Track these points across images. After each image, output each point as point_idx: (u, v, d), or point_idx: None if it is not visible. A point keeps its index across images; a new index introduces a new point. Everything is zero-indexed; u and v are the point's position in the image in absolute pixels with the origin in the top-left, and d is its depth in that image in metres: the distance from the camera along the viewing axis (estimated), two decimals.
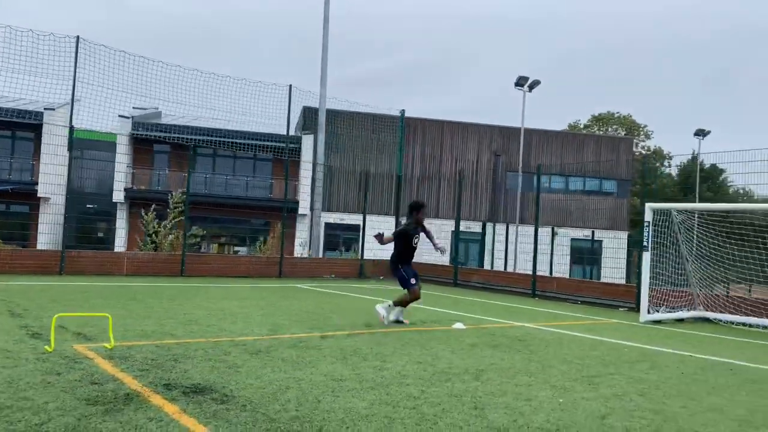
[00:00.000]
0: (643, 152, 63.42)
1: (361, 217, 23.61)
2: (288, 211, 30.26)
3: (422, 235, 8.68)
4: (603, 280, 26.43)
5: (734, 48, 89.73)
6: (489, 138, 37.17)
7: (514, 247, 29.11)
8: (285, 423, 3.76)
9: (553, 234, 23.59)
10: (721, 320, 11.31)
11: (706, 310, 11.59)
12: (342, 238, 33.50)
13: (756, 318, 10.83)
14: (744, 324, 10.94)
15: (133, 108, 31.12)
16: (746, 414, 4.68)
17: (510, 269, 25.97)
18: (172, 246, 16.13)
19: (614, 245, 33.12)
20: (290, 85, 17.71)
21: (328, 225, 32.81)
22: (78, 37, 14.55)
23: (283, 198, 18.37)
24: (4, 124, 27.40)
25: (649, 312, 10.75)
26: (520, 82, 28.98)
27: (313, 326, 8.00)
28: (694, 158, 52.40)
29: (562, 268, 30.06)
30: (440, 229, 30.18)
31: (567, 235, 33.58)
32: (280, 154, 22.82)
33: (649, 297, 10.70)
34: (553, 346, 7.51)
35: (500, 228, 29.31)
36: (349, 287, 15.13)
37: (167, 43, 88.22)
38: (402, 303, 8.45)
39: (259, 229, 31.90)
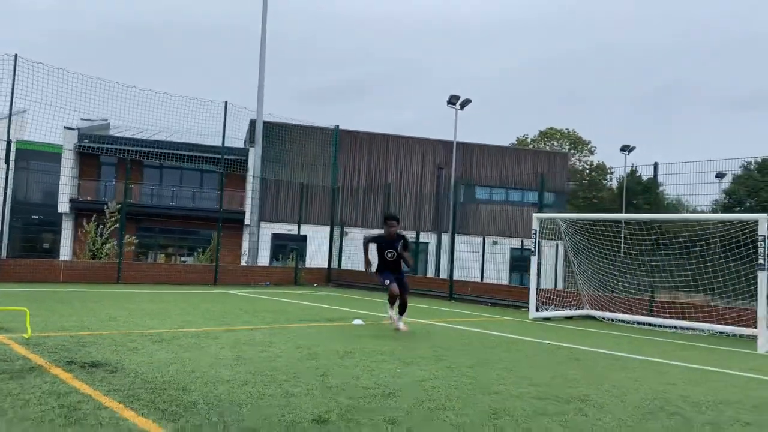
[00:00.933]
0: (587, 166, 66.17)
1: (309, 228, 24.75)
2: (233, 222, 31.08)
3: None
4: (542, 286, 28.03)
5: (671, 66, 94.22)
6: (433, 151, 38.63)
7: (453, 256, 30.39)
8: (158, 384, 4.75)
9: (484, 244, 24.94)
10: (603, 317, 12.69)
11: (592, 309, 12.97)
12: (290, 248, 34.35)
13: (630, 315, 12.22)
14: (622, 320, 12.33)
15: (81, 119, 31.42)
16: (547, 380, 5.86)
17: (444, 276, 27.18)
18: (108, 255, 16.80)
19: (551, 253, 34.93)
20: (225, 102, 18.68)
21: (276, 236, 33.63)
22: (16, 55, 15.22)
23: (223, 209, 19.17)
24: None
25: (537, 310, 12.02)
26: (452, 100, 30.47)
27: (222, 323, 8.96)
28: (633, 172, 55.07)
29: (502, 275, 31.62)
30: None
31: (507, 244, 35.35)
32: (223, 166, 23.61)
33: (538, 297, 11.97)
34: (427, 336, 8.65)
35: (445, 237, 30.69)
36: (278, 293, 16.07)
37: (125, 49, 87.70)
38: (390, 303, 8.91)
39: (207, 239, 32.50)
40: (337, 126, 21.08)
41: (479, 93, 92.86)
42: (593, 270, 12.60)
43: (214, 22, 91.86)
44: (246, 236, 32.35)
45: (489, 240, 29.11)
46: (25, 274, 15.19)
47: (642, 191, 57.07)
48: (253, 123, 32.95)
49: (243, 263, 27.16)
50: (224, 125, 18.53)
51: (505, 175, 39.44)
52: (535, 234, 12.05)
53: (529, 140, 66.97)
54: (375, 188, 36.73)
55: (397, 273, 8.86)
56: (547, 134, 66.51)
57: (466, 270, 21.32)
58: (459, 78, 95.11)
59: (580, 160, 66.09)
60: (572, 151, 65.14)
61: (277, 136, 30.14)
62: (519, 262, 37.24)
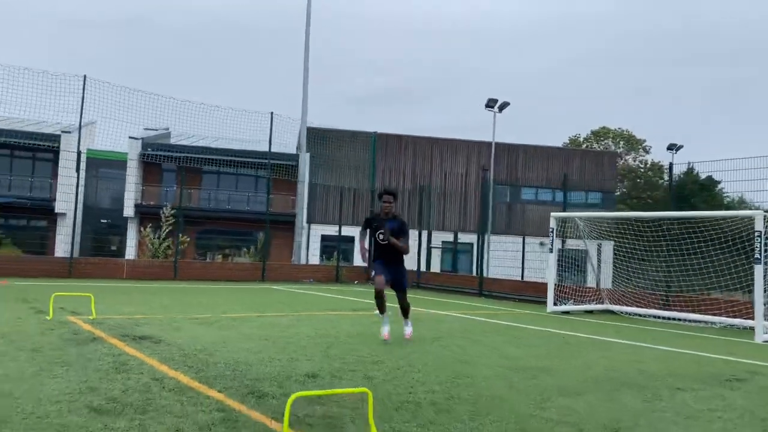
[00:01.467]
0: (641, 166, 65.06)
1: (352, 229, 25.96)
2: (286, 223, 32.66)
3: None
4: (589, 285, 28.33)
5: (742, 63, 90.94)
6: (477, 153, 39.26)
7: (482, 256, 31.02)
8: (190, 351, 5.92)
9: (524, 243, 25.47)
10: (622, 311, 13.26)
11: (611, 304, 13.56)
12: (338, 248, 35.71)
13: (645, 309, 12.76)
14: (638, 315, 12.88)
15: (144, 129, 33.78)
16: (523, 356, 6.72)
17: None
18: (166, 255, 18.45)
19: (595, 252, 35.09)
20: (271, 113, 20.12)
21: (324, 236, 35.06)
22: (85, 76, 17.03)
23: (276, 212, 20.60)
24: (25, 147, 30.03)
25: (555, 304, 12.74)
26: (490, 103, 31.09)
27: (258, 311, 10.18)
28: (690, 171, 53.94)
29: (543, 274, 32.02)
30: (435, 239, 32.26)
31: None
32: (270, 170, 25.02)
33: (556, 292, 12.69)
34: (436, 323, 9.59)
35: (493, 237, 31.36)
36: (319, 289, 17.28)
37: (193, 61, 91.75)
38: (377, 303, 7.37)
39: (255, 237, 34.25)
40: (375, 132, 22.22)
41: (532, 92, 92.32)
42: (641, 269, 12.99)
43: (265, 33, 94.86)
44: (298, 237, 34.00)
45: (536, 241, 29.56)
46: (93, 271, 16.94)
47: (699, 190, 55.89)
48: (307, 130, 34.71)
49: (293, 262, 28.71)
50: (270, 134, 19.95)
51: (552, 175, 39.64)
52: (552, 232, 12.77)
53: (581, 139, 66.40)
54: (419, 190, 37.69)
55: (393, 265, 7.26)
56: (599, 134, 65.75)
57: (506, 269, 21.94)
58: (513, 76, 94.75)
59: (635, 159, 65.09)
60: (626, 150, 64.26)
61: (325, 142, 31.53)
62: (572, 262, 37.49)
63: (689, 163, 55.10)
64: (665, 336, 9.83)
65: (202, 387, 4.47)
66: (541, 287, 16.44)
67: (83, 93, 16.77)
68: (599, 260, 13.70)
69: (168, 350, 5.94)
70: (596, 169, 40.71)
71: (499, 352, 6.98)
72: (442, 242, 33.46)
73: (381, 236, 7.17)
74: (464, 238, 35.18)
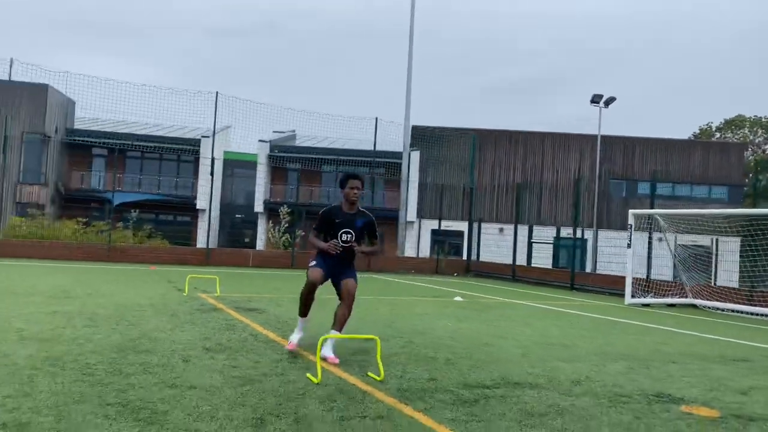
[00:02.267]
0: None
1: (458, 223, 27.39)
2: (395, 219, 34.55)
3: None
4: (719, 283, 27.62)
5: None
6: (591, 147, 38.87)
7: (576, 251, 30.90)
8: (283, 319, 7.71)
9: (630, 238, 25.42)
10: (705, 306, 13.55)
11: (694, 298, 13.87)
12: (447, 242, 37.13)
13: (731, 304, 13.00)
14: (719, 309, 13.15)
15: (273, 132, 37.18)
16: (547, 333, 7.85)
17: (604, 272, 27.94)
18: (286, 247, 20.92)
19: (726, 248, 33.58)
20: (376, 118, 22.10)
21: (435, 231, 36.62)
22: (217, 92, 19.90)
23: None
24: (170, 150, 34.31)
25: (633, 296, 13.37)
26: (595, 99, 30.89)
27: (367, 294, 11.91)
28: None
29: (661, 271, 31.38)
30: (541, 234, 32.74)
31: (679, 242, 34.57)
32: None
33: (633, 285, 13.31)
34: (501, 308, 10.79)
35: (601, 233, 31.31)
36: (417, 279, 18.84)
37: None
38: (301, 301, 5.86)
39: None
40: (474, 134, 23.36)
41: (659, 81, 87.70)
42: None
43: (379, 31, 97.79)
44: (401, 232, 35.88)
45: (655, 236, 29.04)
46: (226, 259, 19.70)
47: None
48: (416, 128, 36.42)
49: (403, 254, 30.57)
50: (375, 136, 21.85)
51: (672, 169, 38.33)
52: (630, 228, 13.38)
53: (714, 129, 62.54)
54: (530, 185, 38.10)
55: (342, 265, 5.70)
56: (734, 123, 61.54)
57: (619, 266, 22.09)
58: (639, 66, 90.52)
59: None
60: (766, 139, 59.72)
61: (433, 140, 33.05)
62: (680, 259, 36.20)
63: None
64: (711, 326, 10.32)
65: (284, 341, 6.17)
66: (636, 282, 16.88)
67: (215, 108, 19.60)
68: (716, 255, 14.02)
69: (267, 318, 7.78)
70: (722, 162, 38.76)
71: (540, 331, 8.15)
72: (554, 238, 33.82)
73: (345, 238, 5.58)
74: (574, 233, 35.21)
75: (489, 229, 27.86)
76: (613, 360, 6.23)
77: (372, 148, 32.78)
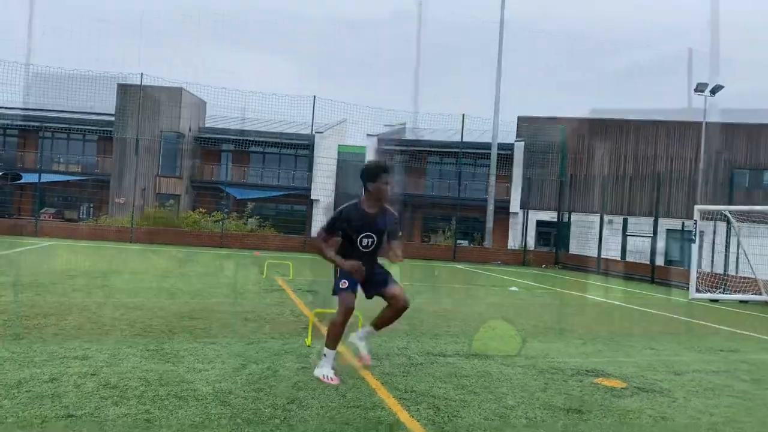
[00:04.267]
0: None
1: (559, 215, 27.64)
2: (502, 210, 35.15)
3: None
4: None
5: None
6: (710, 136, 36.88)
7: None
8: (327, 299, 9.20)
9: (738, 234, 24.31)
10: None
11: None
12: (552, 234, 37.00)
13: None
14: None
15: (384, 125, 39.12)
16: (563, 319, 8.68)
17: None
18: None
19: None
20: (462, 115, 22.98)
21: (540, 222, 36.65)
22: (314, 96, 21.85)
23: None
24: (288, 145, 37.30)
25: (697, 291, 13.46)
26: (700, 88, 29.40)
27: (426, 283, 13.22)
28: None
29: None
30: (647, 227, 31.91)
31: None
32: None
33: (697, 280, 13.40)
34: (560, 298, 11.56)
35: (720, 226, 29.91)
36: (500, 270, 19.66)
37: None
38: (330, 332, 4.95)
39: (481, 222, 37.29)
40: (563, 126, 23.53)
41: None
42: None
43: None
44: (511, 222, 36.25)
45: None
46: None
47: None
48: (519, 119, 36.59)
49: (510, 246, 31.23)
50: (461, 132, 22.73)
51: None
52: (695, 224, 13.42)
53: None
54: (642, 176, 36.88)
55: (371, 272, 5.05)
56: None
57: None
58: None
59: None
60: None
61: (537, 130, 33.21)
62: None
63: None
64: (753, 321, 10.41)
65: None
66: (717, 278, 16.64)
67: (313, 110, 21.54)
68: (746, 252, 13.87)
69: (316, 297, 9.31)
70: None
71: (552, 316, 9.00)
72: (667, 230, 32.65)
73: (367, 242, 4.89)
74: (689, 225, 33.66)
75: (592, 221, 27.66)
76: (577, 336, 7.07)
77: (480, 140, 33.52)
